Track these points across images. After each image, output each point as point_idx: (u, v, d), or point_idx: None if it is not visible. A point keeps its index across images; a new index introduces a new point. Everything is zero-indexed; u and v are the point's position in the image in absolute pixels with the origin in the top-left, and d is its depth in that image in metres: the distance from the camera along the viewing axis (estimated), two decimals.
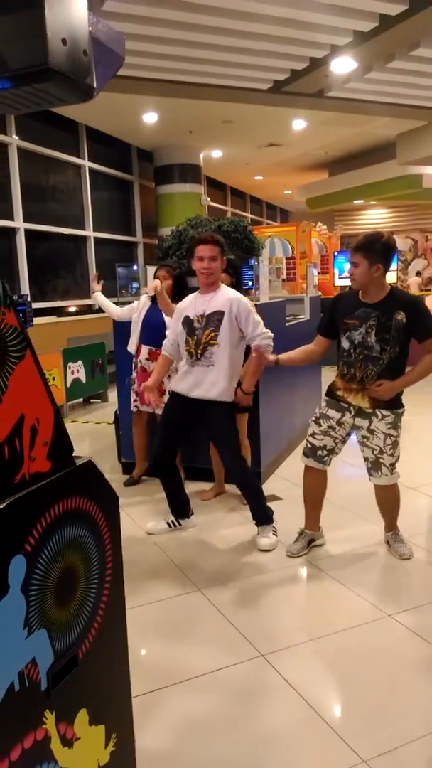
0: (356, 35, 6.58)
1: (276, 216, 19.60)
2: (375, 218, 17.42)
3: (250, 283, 6.99)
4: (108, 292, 10.52)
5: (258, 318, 3.30)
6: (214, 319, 3.30)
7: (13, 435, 1.11)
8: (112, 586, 1.38)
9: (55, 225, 9.09)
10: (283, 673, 2.30)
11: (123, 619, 1.44)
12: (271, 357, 3.23)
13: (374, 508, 3.30)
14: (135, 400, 4.29)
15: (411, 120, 10.14)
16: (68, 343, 7.70)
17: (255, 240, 9.23)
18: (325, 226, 12.50)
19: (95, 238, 10.04)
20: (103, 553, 1.34)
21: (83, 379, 7.26)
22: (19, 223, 8.18)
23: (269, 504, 3.47)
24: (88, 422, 6.67)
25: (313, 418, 3.20)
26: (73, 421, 6.66)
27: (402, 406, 3.08)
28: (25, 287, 8.26)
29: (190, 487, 4.31)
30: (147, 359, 4.17)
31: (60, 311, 8.98)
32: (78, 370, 7.16)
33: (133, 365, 4.28)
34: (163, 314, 4.09)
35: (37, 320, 7.65)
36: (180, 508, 3.65)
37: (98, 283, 4.73)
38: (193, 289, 3.64)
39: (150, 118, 9.17)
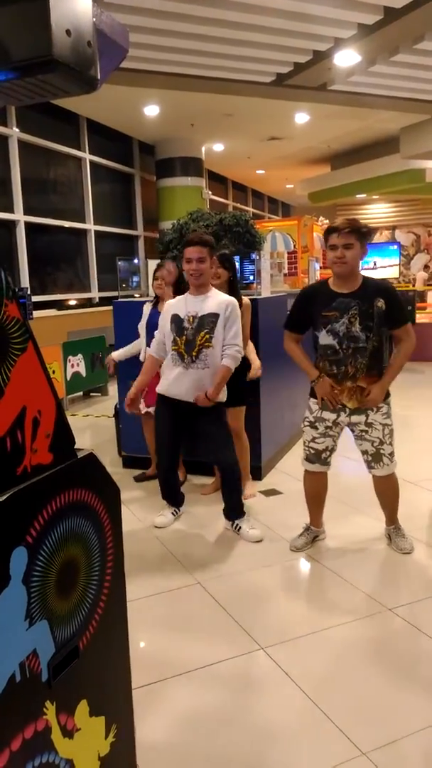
0: (360, 28, 6.54)
1: (278, 210, 19.54)
2: (377, 213, 17.37)
3: (251, 278, 6.98)
4: (108, 286, 10.52)
5: (239, 326, 3.35)
6: (209, 320, 3.29)
7: (15, 427, 1.11)
8: (113, 578, 1.38)
9: (55, 218, 9.07)
10: (283, 666, 2.31)
11: (124, 611, 1.45)
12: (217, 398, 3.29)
13: (373, 501, 3.31)
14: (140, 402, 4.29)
15: (415, 114, 10.09)
16: (68, 336, 7.70)
17: (256, 234, 9.19)
18: (327, 221, 12.46)
19: (96, 231, 10.01)
20: (104, 545, 1.35)
21: (83, 372, 7.26)
22: (19, 216, 8.16)
23: (270, 498, 3.48)
24: (88, 416, 6.67)
25: (308, 423, 3.13)
26: (73, 415, 6.66)
27: (389, 393, 3.08)
28: (25, 280, 8.25)
29: (192, 481, 4.32)
30: None
31: (60, 304, 8.97)
32: (78, 364, 7.17)
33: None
34: None
35: (37, 313, 7.64)
36: (177, 498, 3.72)
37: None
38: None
39: (151, 110, 9.13)
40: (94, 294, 10.05)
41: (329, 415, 3.06)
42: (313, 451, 3.14)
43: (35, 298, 8.01)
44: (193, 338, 3.29)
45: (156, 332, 3.56)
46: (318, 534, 3.35)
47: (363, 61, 7.46)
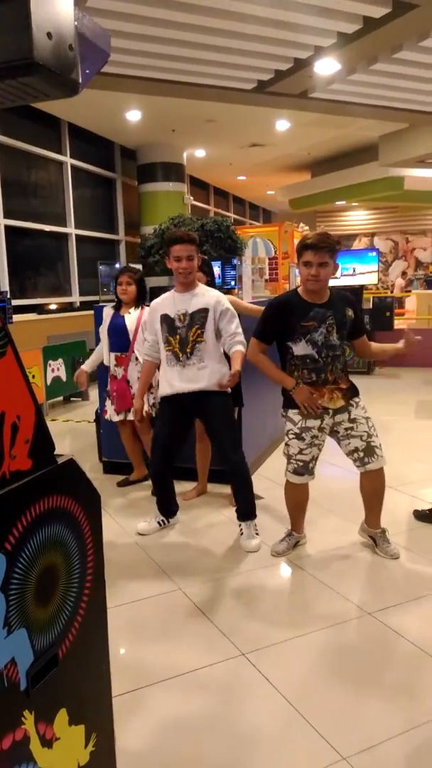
0: (340, 37, 6.61)
1: (259, 216, 19.64)
2: (357, 219, 17.56)
3: (233, 283, 7.01)
4: (89, 291, 10.47)
5: (235, 317, 3.38)
6: (199, 316, 3.30)
7: None
8: (93, 586, 1.37)
9: (36, 221, 9.01)
10: (264, 672, 2.31)
11: (104, 619, 1.43)
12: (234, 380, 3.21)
13: (354, 506, 3.32)
14: (108, 409, 4.28)
15: (393, 122, 10.22)
16: (48, 341, 7.64)
17: (238, 240, 9.24)
18: (307, 227, 12.56)
19: (77, 235, 9.97)
20: (85, 552, 1.34)
21: (63, 377, 7.21)
22: None
23: None
24: (68, 421, 6.62)
25: (293, 436, 3.08)
26: (53, 420, 6.61)
27: (358, 391, 3.18)
28: (4, 284, 8.17)
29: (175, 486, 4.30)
30: (116, 365, 4.18)
31: (40, 309, 8.90)
32: (58, 369, 7.11)
33: (108, 374, 4.28)
34: (125, 319, 4.11)
35: (16, 317, 7.58)
36: (170, 509, 3.65)
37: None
38: (157, 290, 3.64)
39: (133, 116, 9.13)
40: (75, 298, 9.99)
41: (314, 422, 3.06)
42: (301, 464, 3.11)
43: (15, 302, 7.93)
44: (185, 336, 3.29)
45: (145, 334, 3.54)
46: (299, 539, 3.36)
47: (343, 70, 7.53)
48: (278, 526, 3.41)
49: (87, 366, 4.41)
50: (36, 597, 1.16)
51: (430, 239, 17.48)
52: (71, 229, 9.83)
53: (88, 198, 10.54)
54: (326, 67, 7.36)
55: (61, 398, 7.50)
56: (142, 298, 4.21)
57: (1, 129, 8.13)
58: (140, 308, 4.15)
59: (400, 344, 3.11)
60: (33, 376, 6.55)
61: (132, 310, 4.17)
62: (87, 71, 1.18)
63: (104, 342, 4.24)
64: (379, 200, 14.95)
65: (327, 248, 2.89)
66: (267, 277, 10.22)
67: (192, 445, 4.04)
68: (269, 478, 4.34)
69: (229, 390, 3.40)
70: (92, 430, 5.22)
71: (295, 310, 3.00)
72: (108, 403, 4.29)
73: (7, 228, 8.24)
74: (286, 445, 3.14)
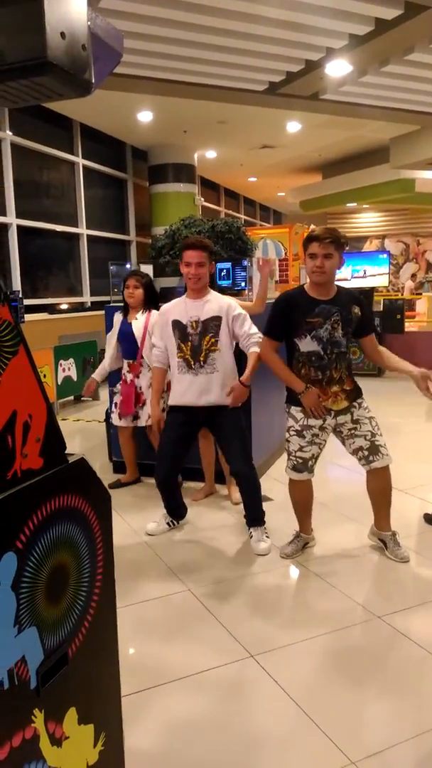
0: (352, 38, 6.60)
1: (269, 217, 19.63)
2: (367, 222, 17.50)
3: (243, 284, 6.99)
4: (100, 291, 10.51)
5: (249, 320, 3.36)
6: (212, 324, 3.28)
7: (6, 431, 1.10)
8: (102, 585, 1.37)
9: (48, 222, 9.05)
10: (273, 674, 2.30)
11: (113, 618, 1.43)
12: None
13: (363, 508, 3.31)
14: (112, 412, 4.29)
15: (404, 124, 10.19)
16: (59, 340, 7.67)
17: (248, 241, 9.23)
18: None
19: (88, 235, 10.01)
20: (95, 552, 1.34)
21: (74, 377, 7.24)
22: (11, 219, 8.14)
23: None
24: (79, 420, 6.64)
25: (294, 432, 3.09)
26: (63, 419, 6.63)
27: (361, 392, 3.16)
28: (17, 284, 8.22)
29: (184, 486, 4.30)
30: (127, 371, 4.19)
31: (52, 308, 8.94)
32: (69, 368, 7.14)
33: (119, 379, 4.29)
34: (132, 326, 4.10)
35: (28, 317, 7.62)
36: (177, 511, 3.64)
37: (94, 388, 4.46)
38: (168, 290, 3.64)
39: (145, 116, 9.16)
40: (86, 298, 10.03)
41: (315, 421, 3.06)
42: (300, 461, 3.12)
43: (27, 302, 7.98)
44: (198, 343, 3.27)
45: (153, 339, 3.53)
46: (308, 541, 3.35)
47: (354, 71, 7.53)
48: (287, 527, 3.40)
49: (97, 376, 4.40)
50: (46, 596, 1.17)
51: None
52: (83, 230, 9.87)
53: (99, 198, 10.58)
54: (338, 68, 7.36)
55: (71, 398, 7.53)
56: (152, 301, 4.19)
57: (14, 129, 8.18)
58: (147, 313, 4.13)
59: (416, 371, 3.02)
60: (44, 376, 6.58)
61: (139, 315, 4.16)
62: (100, 71, 1.19)
63: (113, 349, 4.24)
64: (390, 202, 14.89)
65: (331, 240, 2.89)
66: (277, 278, 10.20)
67: (196, 445, 4.04)
68: (278, 480, 4.32)
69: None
70: (102, 430, 5.24)
71: (301, 306, 3.00)
72: (112, 406, 4.32)
73: (20, 228, 8.29)
74: (287, 441, 3.15)
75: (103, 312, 4.77)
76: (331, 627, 2.60)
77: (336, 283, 3.06)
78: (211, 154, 11.59)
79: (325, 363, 2.99)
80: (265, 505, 3.49)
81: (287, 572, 3.15)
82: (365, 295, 7.45)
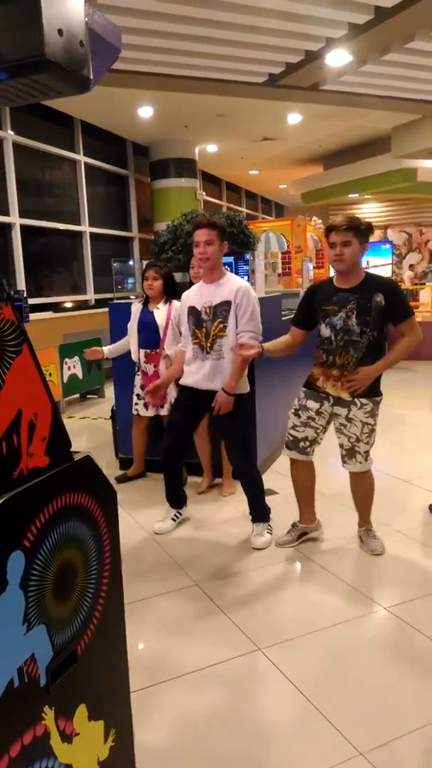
0: (351, 27, 6.55)
1: (271, 210, 19.56)
2: (370, 212, 17.40)
3: (245, 278, 6.99)
4: (104, 288, 10.52)
5: (257, 316, 3.21)
6: (222, 309, 3.21)
7: (11, 430, 1.10)
8: (110, 582, 1.38)
9: (50, 220, 9.05)
10: (280, 667, 2.31)
11: (121, 614, 1.44)
12: (256, 347, 3.08)
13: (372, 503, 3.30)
14: (136, 404, 4.28)
15: (406, 113, 10.11)
16: (64, 338, 7.68)
17: (250, 234, 9.19)
18: (320, 220, 12.49)
19: (91, 233, 10.00)
20: (102, 549, 1.34)
21: (80, 375, 7.25)
22: (14, 219, 8.13)
23: (266, 498, 3.46)
24: (84, 418, 6.66)
25: (293, 410, 3.20)
26: (69, 417, 6.65)
27: (380, 393, 3.09)
28: (21, 283, 8.22)
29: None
30: (145, 362, 4.18)
31: (56, 307, 8.95)
32: (74, 366, 7.15)
33: (136, 369, 4.27)
34: (155, 315, 4.09)
35: (33, 316, 7.63)
36: (180, 499, 3.64)
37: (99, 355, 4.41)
38: (187, 285, 3.61)
39: (145, 112, 9.13)
40: (90, 296, 10.03)
41: (313, 404, 3.10)
42: (291, 438, 3.19)
43: (31, 301, 7.99)
44: (209, 329, 3.24)
45: (181, 327, 3.50)
46: (307, 531, 3.35)
47: (354, 61, 7.47)
48: (291, 520, 3.40)
49: (107, 350, 4.37)
50: (54, 593, 1.17)
51: None
52: (85, 227, 9.87)
53: (101, 196, 10.57)
54: (337, 58, 7.30)
55: (77, 396, 7.54)
56: (171, 292, 4.17)
57: (16, 128, 8.17)
58: (169, 303, 4.12)
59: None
60: (50, 374, 6.59)
61: (161, 305, 4.15)
62: (98, 68, 1.18)
63: (133, 338, 4.22)
64: (392, 192, 14.80)
65: (349, 227, 2.89)
66: (280, 271, 10.18)
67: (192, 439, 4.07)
68: (282, 473, 4.32)
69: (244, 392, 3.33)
70: (108, 428, 5.25)
71: (322, 294, 3.06)
72: (134, 398, 4.29)
73: (23, 227, 8.29)
74: (288, 416, 3.23)
75: (107, 309, 4.76)
76: (338, 619, 2.60)
77: (368, 270, 3.06)
78: (212, 148, 11.55)
79: (332, 348, 3.02)
80: (270, 498, 3.50)
81: (295, 566, 3.15)
82: None
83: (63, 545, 1.20)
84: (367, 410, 3.04)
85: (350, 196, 15.03)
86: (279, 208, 20.25)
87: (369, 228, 2.97)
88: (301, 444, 3.16)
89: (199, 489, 4.15)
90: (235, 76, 7.74)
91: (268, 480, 4.29)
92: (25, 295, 7.44)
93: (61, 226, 9.32)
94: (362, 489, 3.22)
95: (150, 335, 4.12)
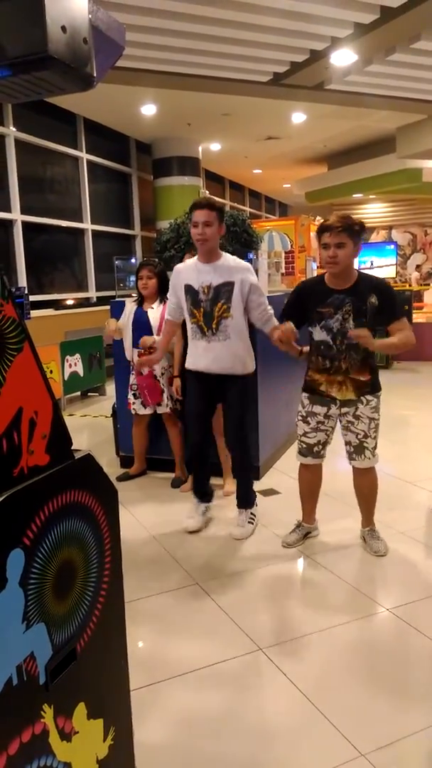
0: (357, 27, 6.54)
1: (275, 209, 19.54)
2: (374, 212, 17.37)
3: None
4: (106, 286, 10.50)
5: (263, 293, 3.28)
6: (225, 290, 3.18)
7: (12, 428, 1.10)
8: (110, 580, 1.37)
9: (52, 217, 9.05)
10: (282, 667, 2.30)
11: (122, 613, 1.44)
12: (297, 348, 3.10)
13: (377, 503, 3.29)
14: (133, 403, 4.27)
15: (411, 113, 10.09)
16: (66, 336, 7.68)
17: (254, 234, 9.18)
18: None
19: (93, 230, 10.00)
20: (102, 547, 1.34)
21: (81, 372, 7.25)
22: (16, 215, 8.13)
23: (268, 498, 3.47)
24: (85, 416, 6.66)
25: (300, 418, 3.16)
26: (70, 415, 6.65)
27: (380, 388, 3.10)
28: (22, 280, 8.22)
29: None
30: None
31: (58, 304, 8.94)
32: (76, 364, 7.15)
33: (131, 368, 4.27)
34: (149, 315, 4.10)
35: (34, 313, 7.62)
36: (206, 491, 3.62)
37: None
38: None
39: (148, 110, 9.12)
40: (92, 293, 10.03)
41: (320, 409, 3.08)
42: (305, 446, 3.18)
43: (33, 298, 7.99)
44: (210, 310, 3.20)
45: (169, 295, 3.49)
46: (310, 530, 3.35)
47: (359, 61, 7.45)
48: (293, 519, 3.40)
49: (120, 322, 4.28)
50: (54, 592, 1.17)
51: None
52: (87, 225, 9.86)
53: (103, 193, 10.56)
54: (343, 58, 7.29)
55: (78, 393, 7.54)
56: (166, 291, 4.17)
57: (18, 125, 8.17)
58: (163, 303, 4.10)
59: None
60: (50, 372, 6.59)
61: (155, 305, 4.15)
62: (101, 65, 1.17)
63: (127, 338, 4.22)
64: (396, 192, 14.77)
65: (343, 228, 2.82)
66: (283, 271, 10.17)
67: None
68: (284, 473, 4.32)
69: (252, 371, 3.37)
70: (109, 425, 5.25)
71: (315, 295, 2.99)
72: (131, 396, 4.28)
73: (25, 224, 8.29)
74: (296, 424, 3.21)
75: (108, 307, 4.76)
76: (342, 620, 2.60)
77: (361, 271, 3.01)
78: (215, 146, 11.53)
79: (334, 353, 2.97)
80: (272, 498, 3.49)
81: (295, 565, 3.15)
82: None
83: (63, 543, 1.19)
84: (372, 406, 3.05)
85: (354, 196, 15.01)
86: (283, 207, 20.23)
87: (363, 228, 2.91)
88: (315, 449, 3.16)
89: (183, 488, 4.16)
90: (239, 74, 7.73)
91: (271, 479, 4.29)
92: (26, 292, 7.44)
93: (63, 224, 9.32)
94: (366, 486, 3.20)
95: (143, 334, 4.13)
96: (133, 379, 4.24)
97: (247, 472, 3.50)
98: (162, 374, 4.13)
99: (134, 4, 5.77)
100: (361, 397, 3.03)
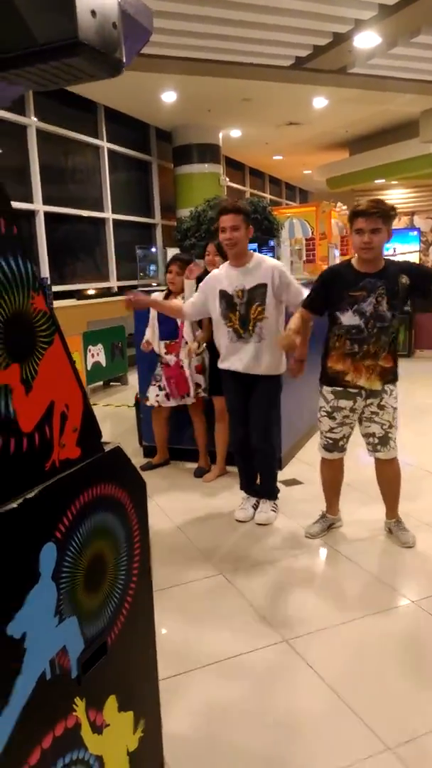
0: (381, 8, 6.40)
1: (295, 196, 19.34)
2: (396, 198, 17.08)
3: None
4: (127, 275, 10.49)
5: (298, 285, 3.28)
6: (259, 292, 3.23)
7: (44, 422, 1.09)
8: (139, 573, 1.37)
9: (74, 207, 9.05)
10: (307, 659, 2.29)
11: (150, 606, 1.44)
12: (297, 372, 3.21)
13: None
14: (157, 395, 4.26)
15: None
16: (88, 326, 7.69)
17: (274, 221, 9.12)
18: (345, 206, 12.29)
19: (114, 220, 9.98)
20: (132, 540, 1.33)
21: (103, 362, 7.27)
22: (38, 206, 8.15)
23: (291, 488, 3.46)
24: (108, 405, 6.68)
25: (324, 413, 3.11)
26: (93, 405, 6.65)
27: (398, 377, 3.10)
28: (44, 270, 8.26)
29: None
30: (166, 353, 4.17)
31: (79, 294, 8.96)
32: (98, 354, 7.17)
33: (158, 361, 4.26)
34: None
35: (56, 303, 7.66)
36: (252, 485, 3.62)
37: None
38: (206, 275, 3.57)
39: (169, 97, 9.05)
40: (113, 283, 10.04)
41: (345, 403, 3.05)
42: (331, 441, 3.14)
43: (55, 288, 8.01)
44: (246, 313, 3.25)
45: (196, 294, 3.49)
46: (334, 522, 3.33)
47: (383, 43, 7.30)
48: (315, 510, 3.38)
49: (155, 295, 4.21)
50: (85, 585, 1.17)
51: None
52: (108, 214, 9.85)
53: (124, 182, 10.53)
54: (366, 40, 7.15)
55: (101, 383, 7.57)
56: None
57: (39, 115, 8.16)
58: None
59: None
60: (74, 362, 6.62)
61: (181, 298, 4.14)
62: (129, 50, 1.15)
63: (154, 330, 4.20)
64: (419, 178, 14.50)
65: (378, 214, 2.79)
66: (305, 258, 10.08)
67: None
68: (307, 463, 4.29)
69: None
70: (132, 415, 5.25)
71: (345, 279, 2.96)
72: (154, 389, 4.25)
73: (46, 214, 8.30)
74: (318, 420, 3.17)
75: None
76: (366, 611, 2.58)
77: (384, 256, 2.99)
78: (235, 133, 11.42)
79: (364, 336, 2.93)
80: (294, 488, 3.48)
81: (318, 555, 3.13)
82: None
83: (94, 537, 1.19)
84: (394, 395, 3.05)
85: (376, 181, 14.79)
86: (303, 194, 20.01)
87: (395, 212, 2.90)
88: (341, 443, 3.15)
89: (206, 477, 4.18)
90: (260, 59, 7.61)
91: (293, 469, 4.27)
92: (48, 282, 7.47)
93: (84, 213, 9.32)
94: (390, 476, 3.16)
95: (169, 327, 4.12)
96: (159, 369, 4.23)
97: (272, 468, 3.56)
98: (189, 365, 4.12)
99: None
100: (385, 386, 3.01)
